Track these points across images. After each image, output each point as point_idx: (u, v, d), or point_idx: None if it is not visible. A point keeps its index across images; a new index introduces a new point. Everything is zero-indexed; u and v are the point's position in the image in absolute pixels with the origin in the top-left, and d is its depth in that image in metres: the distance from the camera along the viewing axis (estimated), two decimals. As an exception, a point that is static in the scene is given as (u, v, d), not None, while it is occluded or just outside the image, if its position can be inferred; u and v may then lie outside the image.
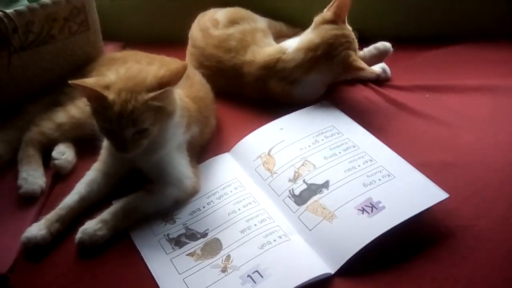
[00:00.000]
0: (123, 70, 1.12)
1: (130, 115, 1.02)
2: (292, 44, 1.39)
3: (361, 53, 1.42)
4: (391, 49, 1.44)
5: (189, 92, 1.25)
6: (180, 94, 1.17)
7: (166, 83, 1.04)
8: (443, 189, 1.10)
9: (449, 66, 1.54)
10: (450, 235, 1.08)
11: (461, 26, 1.63)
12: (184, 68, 1.06)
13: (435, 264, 1.04)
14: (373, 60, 1.44)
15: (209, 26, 1.48)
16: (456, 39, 1.61)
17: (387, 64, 1.50)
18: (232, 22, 1.47)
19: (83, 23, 1.39)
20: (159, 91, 1.03)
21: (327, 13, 1.37)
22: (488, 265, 1.02)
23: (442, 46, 1.60)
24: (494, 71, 1.49)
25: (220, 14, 1.51)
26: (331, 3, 1.37)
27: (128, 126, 1.03)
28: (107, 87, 1.05)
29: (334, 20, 1.36)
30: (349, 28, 1.37)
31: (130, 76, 1.07)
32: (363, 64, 1.33)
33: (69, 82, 1.06)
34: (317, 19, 1.38)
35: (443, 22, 1.64)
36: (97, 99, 1.05)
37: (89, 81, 1.07)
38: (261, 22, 1.51)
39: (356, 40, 1.37)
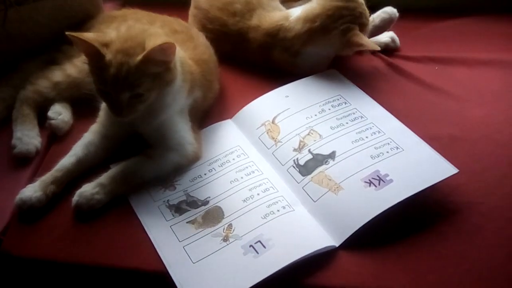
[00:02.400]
0: (124, 28, 1.07)
1: (125, 78, 0.98)
2: (296, 12, 1.34)
3: (370, 18, 1.36)
4: (397, 14, 1.39)
5: (193, 54, 1.20)
6: (183, 57, 1.13)
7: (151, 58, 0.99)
8: (451, 163, 1.07)
9: (459, 39, 1.50)
10: (457, 212, 1.06)
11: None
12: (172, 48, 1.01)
13: (441, 240, 1.02)
14: (383, 24, 1.39)
15: (213, -14, 1.42)
16: (467, 11, 1.57)
17: (395, 33, 1.46)
18: (237, -18, 1.40)
19: (82, -22, 1.34)
20: (144, 55, 0.98)
21: None
22: (495, 244, 1.00)
23: (452, 18, 1.56)
24: (505, 45, 1.46)
25: (226, -25, 1.44)
26: None
27: (123, 89, 0.99)
28: (106, 45, 1.00)
29: None
30: (361, 1, 1.30)
31: (129, 37, 1.02)
32: (364, 40, 1.27)
33: (67, 33, 1.00)
34: None
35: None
36: (94, 56, 1.01)
37: (88, 36, 1.02)
38: (267, -16, 1.45)
39: (364, 14, 1.30)
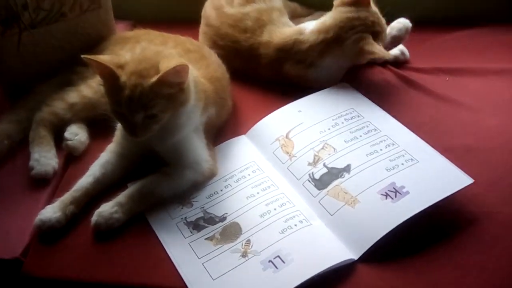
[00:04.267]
0: (139, 50, 1.08)
1: (139, 100, 0.99)
2: (310, 26, 1.35)
3: (388, 30, 1.37)
4: (410, 24, 1.40)
5: (206, 73, 1.21)
6: (196, 76, 1.14)
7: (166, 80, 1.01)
8: (467, 174, 1.07)
9: (469, 49, 1.50)
10: (475, 222, 1.05)
11: (481, 9, 1.60)
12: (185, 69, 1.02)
13: (460, 251, 1.01)
14: (398, 35, 1.39)
15: (224, 4, 1.43)
16: (474, 21, 1.58)
17: (405, 45, 1.46)
18: (248, 0, 1.42)
19: (94, 0, 1.35)
20: (158, 78, 0.99)
21: None
22: (514, 253, 0.99)
23: (461, 29, 1.56)
24: (514, 54, 1.46)
25: (235, -8, 1.46)
26: None
27: (137, 110, 1.00)
28: (121, 66, 1.02)
29: (355, 2, 1.30)
30: (374, 10, 1.31)
31: (143, 59, 1.03)
32: (376, 48, 1.27)
33: (83, 56, 1.02)
34: (336, 1, 1.34)
35: (462, 3, 1.60)
36: (110, 78, 1.02)
37: (104, 58, 1.03)
38: (277, 1, 1.46)
39: (378, 22, 1.31)
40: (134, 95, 0.99)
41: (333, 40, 1.30)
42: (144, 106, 1.00)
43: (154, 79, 0.99)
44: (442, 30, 1.56)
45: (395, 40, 1.40)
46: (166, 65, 1.00)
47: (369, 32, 1.29)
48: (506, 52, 1.47)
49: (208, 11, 1.46)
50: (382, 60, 1.39)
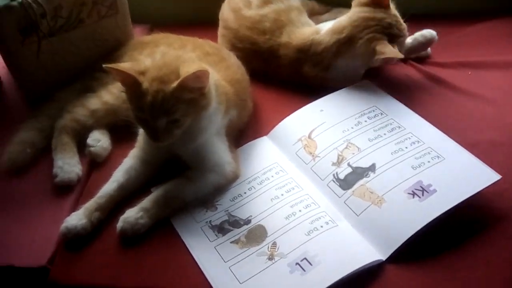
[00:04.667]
0: (159, 55, 1.08)
1: (161, 105, 0.99)
2: (327, 26, 1.34)
3: (408, 40, 1.35)
4: (437, 37, 1.39)
5: (226, 75, 1.20)
6: (217, 79, 1.13)
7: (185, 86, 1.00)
8: (493, 169, 1.06)
9: (489, 42, 1.48)
10: (503, 218, 1.04)
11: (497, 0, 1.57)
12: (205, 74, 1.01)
13: (488, 247, 1.00)
14: (419, 47, 1.39)
15: (241, 6, 1.42)
16: (492, 13, 1.55)
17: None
18: (265, 1, 1.40)
19: (112, 6, 1.36)
20: (179, 83, 0.99)
21: None
22: (544, 248, 0.98)
23: (479, 22, 1.54)
24: (535, 46, 1.44)
25: (252, -7, 1.45)
26: None
27: (159, 116, 1.00)
28: (142, 73, 1.01)
29: (374, 2, 1.27)
30: (393, 13, 1.29)
31: (164, 64, 1.03)
32: (387, 48, 1.23)
33: (104, 66, 1.02)
34: (354, 0, 1.32)
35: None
36: (132, 85, 1.02)
37: (125, 65, 1.03)
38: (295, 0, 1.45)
39: (396, 25, 1.27)
40: (156, 100, 0.99)
41: (346, 40, 1.28)
42: (166, 111, 1.00)
43: (175, 84, 0.99)
44: (461, 23, 1.54)
45: (419, 47, 1.38)
46: (186, 70, 1.00)
47: (385, 34, 1.26)
48: (526, 44, 1.45)
49: (225, 13, 1.45)
50: (394, 61, 1.35)
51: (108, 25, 1.37)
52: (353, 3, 1.32)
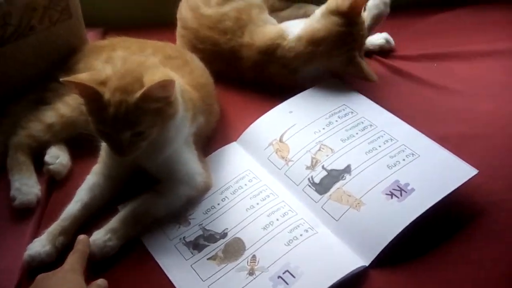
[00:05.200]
0: (119, 61, 1.01)
1: (125, 117, 0.93)
2: (294, 30, 1.28)
3: (364, 14, 1.31)
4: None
5: (190, 80, 1.15)
6: (182, 85, 1.08)
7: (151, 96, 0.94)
8: (467, 163, 1.04)
9: (453, 32, 1.48)
10: (482, 212, 1.03)
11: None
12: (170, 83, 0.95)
13: (471, 244, 0.99)
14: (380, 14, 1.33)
15: (200, 4, 1.36)
16: (457, 2, 1.55)
17: (388, 32, 1.43)
18: (225, -1, 1.35)
19: (64, 10, 1.27)
20: (143, 93, 0.93)
21: (343, 2, 1.23)
22: (526, 241, 0.97)
23: (444, 11, 1.54)
24: (500, 34, 1.45)
25: (211, -10, 1.39)
26: None
27: (123, 129, 0.94)
28: (103, 83, 0.95)
29: (349, 13, 1.23)
30: (363, 20, 1.26)
31: (126, 72, 0.96)
32: (365, 70, 1.24)
33: (61, 80, 0.95)
34: (330, 5, 1.25)
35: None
36: (92, 97, 0.95)
37: (83, 77, 0.96)
38: (255, -4, 1.40)
39: (364, 35, 1.27)
40: (119, 112, 0.93)
41: (322, 54, 1.25)
42: (131, 124, 0.94)
43: (138, 94, 0.92)
44: (424, 13, 1.54)
45: (377, 18, 1.33)
46: (151, 78, 0.94)
47: (357, 48, 1.25)
48: (491, 32, 1.45)
49: (184, 13, 1.39)
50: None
51: (61, 31, 1.29)
52: (327, 6, 1.26)
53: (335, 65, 1.27)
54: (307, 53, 1.25)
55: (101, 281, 0.92)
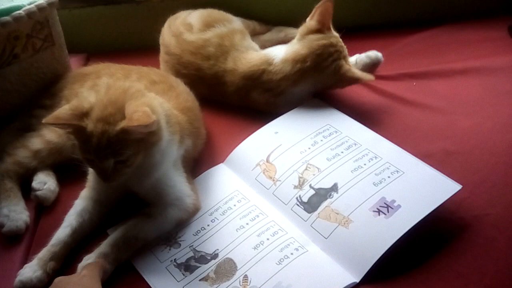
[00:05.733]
0: (103, 88, 1.02)
1: (107, 147, 0.94)
2: (279, 54, 1.31)
3: (352, 59, 1.36)
4: (382, 58, 1.40)
5: (177, 104, 1.16)
6: (168, 109, 1.09)
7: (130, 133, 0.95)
8: (450, 179, 1.07)
9: (431, 51, 1.52)
10: (467, 227, 1.05)
11: (436, 9, 1.62)
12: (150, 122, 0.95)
13: (457, 258, 1.00)
14: (365, 69, 1.38)
15: (183, 30, 1.38)
16: (433, 22, 1.60)
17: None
18: (207, 25, 1.37)
19: (47, 38, 1.29)
20: (123, 128, 0.94)
21: (310, 22, 1.29)
22: (511, 253, 0.99)
23: (420, 31, 1.58)
24: (477, 51, 1.48)
25: (193, 17, 1.41)
26: (313, 12, 1.29)
27: (106, 157, 0.95)
28: (85, 114, 0.96)
29: (320, 29, 1.28)
30: (336, 34, 1.31)
31: (109, 102, 0.97)
32: (358, 73, 1.28)
33: (43, 121, 0.97)
34: (301, 29, 1.30)
35: (419, 5, 1.62)
36: (76, 130, 0.97)
37: (64, 114, 0.96)
38: (237, 22, 1.43)
39: (345, 47, 1.30)
40: (101, 142, 0.94)
41: (311, 69, 1.27)
42: (114, 153, 0.95)
43: (119, 127, 0.93)
44: (402, 34, 1.58)
45: (364, 68, 1.38)
46: (132, 108, 0.95)
47: (342, 58, 1.28)
48: (466, 50, 1.50)
49: (167, 39, 1.41)
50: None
51: (45, 58, 1.30)
52: (300, 31, 1.31)
53: (327, 78, 1.28)
54: (296, 72, 1.27)
55: None
